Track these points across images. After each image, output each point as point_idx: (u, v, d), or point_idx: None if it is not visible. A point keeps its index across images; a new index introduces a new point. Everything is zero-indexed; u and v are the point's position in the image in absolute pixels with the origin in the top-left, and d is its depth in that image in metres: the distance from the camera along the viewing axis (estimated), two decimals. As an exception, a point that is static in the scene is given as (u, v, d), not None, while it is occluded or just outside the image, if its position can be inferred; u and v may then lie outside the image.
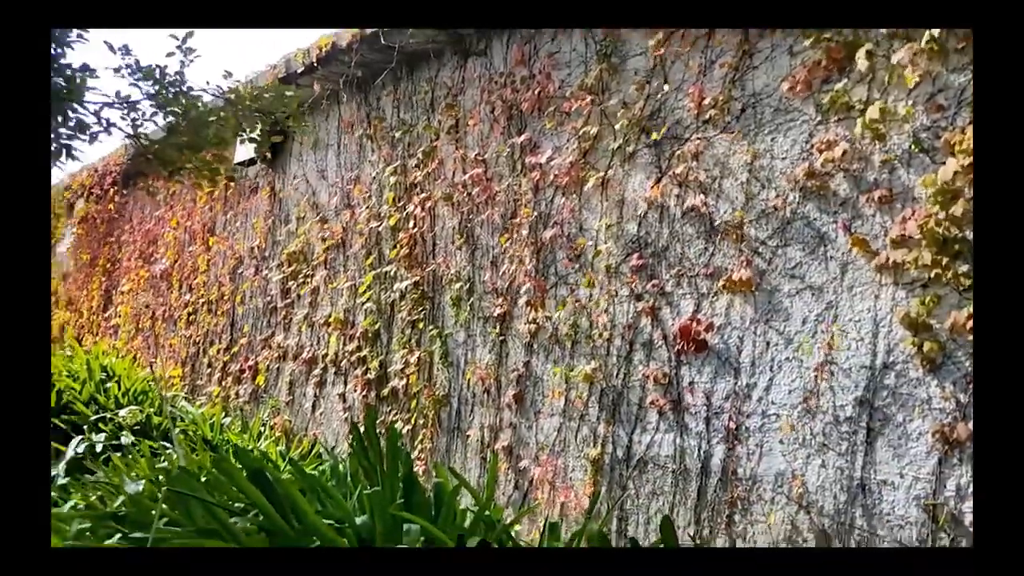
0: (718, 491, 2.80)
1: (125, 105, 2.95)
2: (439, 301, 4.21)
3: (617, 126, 3.31)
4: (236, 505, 1.95)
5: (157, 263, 7.41)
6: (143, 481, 2.33)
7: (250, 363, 5.74)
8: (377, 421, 4.39)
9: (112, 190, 8.42)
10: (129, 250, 8.13)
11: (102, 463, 3.28)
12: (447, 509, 1.98)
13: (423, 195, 4.37)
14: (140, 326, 7.57)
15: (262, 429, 5.23)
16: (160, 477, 2.41)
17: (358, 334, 4.70)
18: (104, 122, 2.99)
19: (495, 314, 3.77)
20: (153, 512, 1.87)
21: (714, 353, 2.88)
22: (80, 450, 3.90)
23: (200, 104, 2.92)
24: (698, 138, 3.03)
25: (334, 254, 5.11)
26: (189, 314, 6.74)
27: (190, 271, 6.87)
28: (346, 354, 4.79)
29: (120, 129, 2.99)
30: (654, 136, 3.16)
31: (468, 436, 3.82)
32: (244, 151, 6.06)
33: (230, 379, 5.96)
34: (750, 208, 2.85)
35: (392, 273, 4.51)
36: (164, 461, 3.05)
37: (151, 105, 2.94)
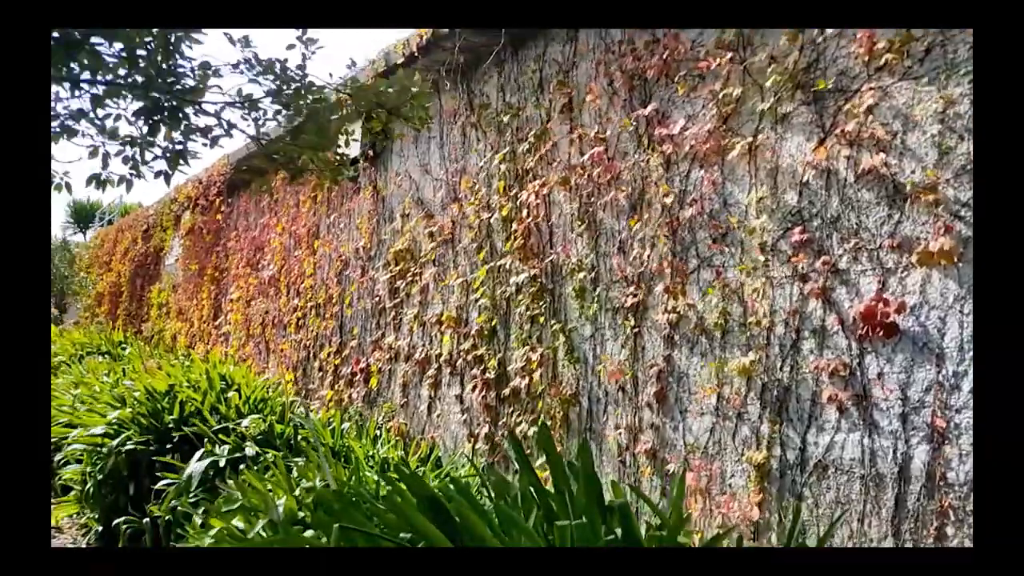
0: (922, 499, 2.37)
1: (246, 104, 2.77)
2: (560, 293, 3.91)
3: (767, 83, 2.90)
4: (402, 536, 1.68)
5: (264, 269, 7.46)
6: (283, 501, 2.14)
7: (361, 365, 5.63)
8: (500, 423, 4.14)
9: (217, 200, 8.58)
10: (236, 258, 8.25)
11: (228, 477, 3.16)
12: (633, 535, 1.67)
13: (537, 181, 4.09)
14: (250, 332, 7.66)
15: (378, 433, 5.09)
16: (302, 497, 2.22)
17: (473, 332, 4.47)
18: (225, 123, 2.83)
19: (627, 304, 3.44)
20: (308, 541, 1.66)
21: (908, 338, 2.45)
22: (204, 464, 3.83)
23: (323, 99, 2.71)
24: (871, 88, 2.60)
25: (443, 250, 4.91)
26: (298, 319, 6.73)
27: (297, 276, 6.86)
28: (461, 353, 4.57)
29: (242, 131, 2.82)
30: (820, 84, 2.73)
31: (604, 438, 3.50)
32: (350, 148, 5.96)
33: (342, 382, 5.87)
34: (945, 165, 2.41)
35: (507, 266, 4.24)
36: (300, 477, 2.89)
37: (272, 102, 2.75)
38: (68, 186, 3.42)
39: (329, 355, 6.14)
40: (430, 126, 5.17)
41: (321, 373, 6.26)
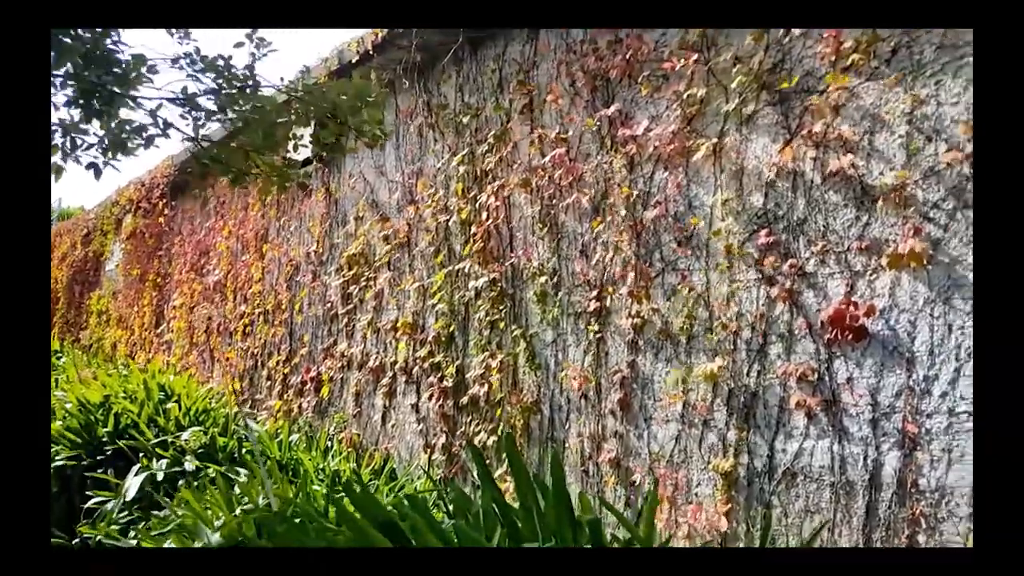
0: (893, 507, 2.32)
1: (185, 102, 2.58)
2: (521, 298, 3.80)
3: (732, 84, 2.85)
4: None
5: (210, 275, 7.16)
6: (222, 521, 1.95)
7: (312, 374, 5.41)
8: (458, 432, 4.00)
9: (161, 203, 8.23)
10: (180, 263, 7.91)
11: (166, 495, 2.94)
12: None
13: (496, 183, 3.97)
14: (194, 340, 7.34)
15: (329, 444, 4.88)
16: (242, 517, 2.03)
17: (429, 339, 4.32)
18: (161, 122, 2.63)
19: (589, 309, 3.34)
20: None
21: (878, 342, 2.40)
22: (140, 480, 3.58)
23: (271, 100, 2.54)
24: (838, 88, 2.56)
25: (398, 254, 4.75)
26: (245, 326, 6.46)
27: (244, 281, 6.59)
28: (417, 361, 4.41)
29: (179, 130, 2.63)
30: (784, 84, 2.69)
31: (567, 447, 3.39)
32: (299, 153, 5.75)
33: (291, 392, 5.64)
34: (914, 166, 2.37)
35: (465, 270, 4.11)
36: (243, 494, 2.69)
37: (213, 102, 2.57)
38: None
39: (278, 363, 5.90)
40: (385, 125, 5.02)
41: (269, 382, 6.01)
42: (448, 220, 4.30)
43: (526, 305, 3.75)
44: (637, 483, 3.00)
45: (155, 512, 3.11)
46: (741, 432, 2.72)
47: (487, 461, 3.79)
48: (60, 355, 9.36)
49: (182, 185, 7.94)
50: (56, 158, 2.99)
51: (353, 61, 4.73)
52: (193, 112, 2.61)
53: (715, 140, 2.93)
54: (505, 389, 3.77)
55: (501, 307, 3.84)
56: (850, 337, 2.45)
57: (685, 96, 3.04)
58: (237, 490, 2.89)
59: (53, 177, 3.18)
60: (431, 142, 4.62)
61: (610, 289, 3.27)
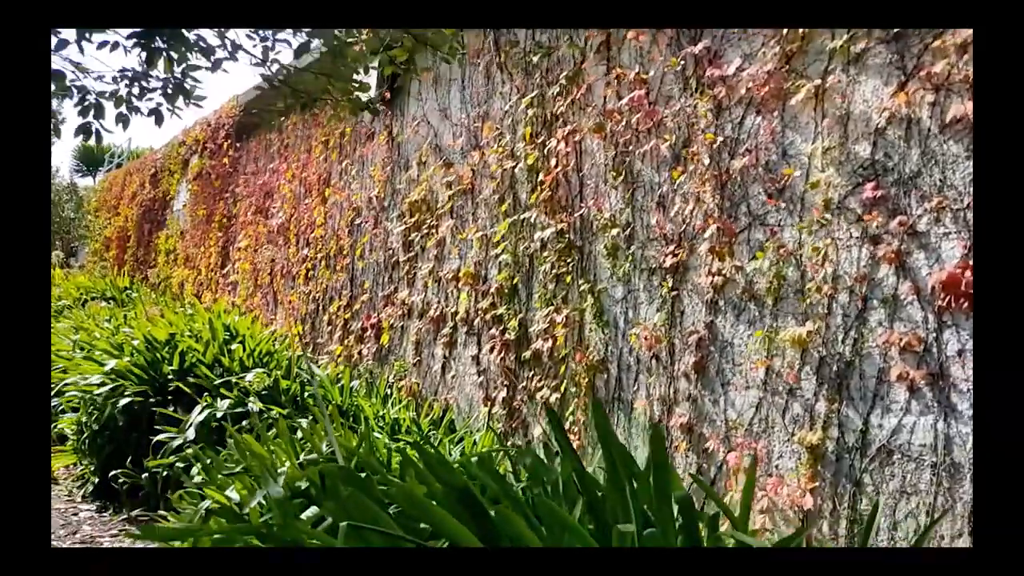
0: (1005, 496, 2.09)
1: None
2: (590, 251, 3.61)
3: (843, 17, 2.54)
4: (423, 527, 1.40)
5: (273, 217, 7.18)
6: (285, 468, 1.88)
7: (372, 321, 5.37)
8: (519, 387, 3.88)
9: (226, 144, 8.25)
10: (245, 204, 7.96)
11: (229, 435, 2.92)
12: (695, 536, 1.40)
13: (567, 128, 3.75)
14: (259, 282, 7.41)
15: (388, 392, 4.86)
16: (307, 466, 1.96)
17: (492, 290, 4.18)
18: (230, 44, 2.51)
19: (665, 265, 3.13)
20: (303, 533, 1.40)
21: (1000, 312, 2.14)
22: (202, 418, 3.59)
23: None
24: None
25: (461, 201, 4.59)
26: (307, 270, 6.46)
27: (307, 225, 6.57)
28: (479, 312, 4.29)
29: (247, 52, 2.50)
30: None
31: (634, 408, 3.24)
32: (368, 78, 5.60)
33: (352, 338, 5.62)
34: (1057, 113, 2.06)
35: (531, 220, 3.93)
36: (305, 441, 2.63)
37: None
38: (58, 131, 3.15)
39: (339, 309, 5.89)
40: (450, 65, 4.81)
41: (330, 327, 6.02)
42: (514, 167, 4.11)
43: (595, 259, 3.57)
44: (711, 451, 2.83)
45: (219, 447, 3.11)
46: (831, 404, 2.51)
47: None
48: (130, 292, 9.65)
49: (247, 126, 7.93)
50: (122, 108, 2.93)
51: (420, -4, 4.51)
52: (261, 33, 2.46)
53: (817, 82, 2.64)
54: (570, 345, 3.61)
55: (568, 260, 3.67)
56: (965, 305, 2.19)
57: (785, 32, 2.75)
58: (300, 435, 2.85)
59: (120, 127, 3.13)
60: (499, 84, 4.40)
61: (689, 244, 3.05)
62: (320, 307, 6.25)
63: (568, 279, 3.67)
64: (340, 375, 4.85)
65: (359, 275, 5.72)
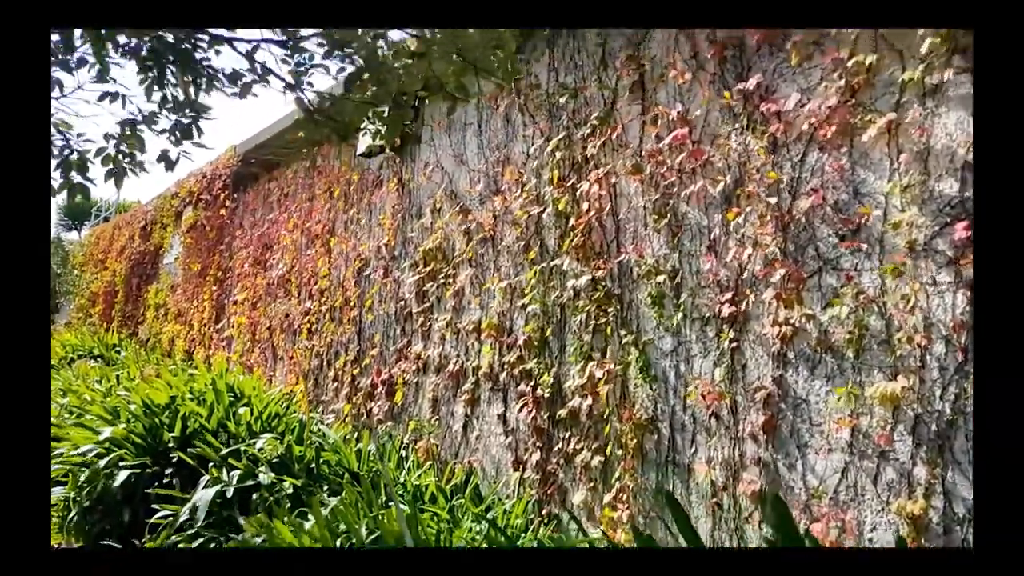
0: None
1: (288, 43, 2.22)
2: (631, 300, 3.36)
3: (920, 47, 2.36)
4: None
5: (273, 269, 6.89)
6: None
7: (383, 377, 5.06)
8: (554, 449, 3.58)
9: (222, 195, 8.02)
10: (242, 257, 7.68)
11: (239, 512, 2.58)
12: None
13: (601, 170, 3.54)
14: (257, 337, 7.08)
15: (403, 453, 4.52)
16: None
17: (519, 343, 3.91)
18: (259, 68, 2.27)
19: (722, 314, 2.88)
20: None
21: None
22: (210, 494, 3.25)
23: (384, 45, 2.16)
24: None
25: (482, 249, 4.35)
26: (311, 323, 6.16)
27: (310, 276, 6.29)
28: (505, 366, 4.01)
29: (280, 78, 2.26)
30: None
31: (693, 472, 2.94)
32: (365, 141, 5.41)
33: (361, 395, 5.30)
34: None
35: (562, 267, 3.69)
36: (337, 521, 2.31)
37: (319, 45, 2.20)
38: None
39: (346, 364, 5.58)
40: (466, 109, 4.63)
41: (336, 384, 5.69)
42: (541, 211, 3.88)
43: (637, 308, 3.31)
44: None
45: (232, 535, 2.77)
46: (932, 468, 2.24)
47: (592, 483, 3.37)
48: (119, 349, 9.26)
49: (245, 177, 7.71)
50: (110, 166, 2.71)
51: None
52: (295, 56, 2.23)
53: (890, 115, 2.44)
54: (612, 403, 3.33)
55: (607, 310, 3.41)
56: (1093, 356, 1.95)
57: (849, 64, 2.56)
58: (328, 513, 2.52)
59: (114, 184, 2.90)
60: (520, 127, 4.21)
61: (749, 292, 2.81)
62: (325, 362, 5.93)
63: (608, 330, 3.41)
64: (357, 437, 4.53)
65: (368, 328, 5.43)
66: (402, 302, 5.03)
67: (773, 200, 2.74)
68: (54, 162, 2.58)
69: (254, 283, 7.27)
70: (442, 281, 4.63)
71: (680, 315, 3.07)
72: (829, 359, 2.54)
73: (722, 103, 3.01)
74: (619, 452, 3.24)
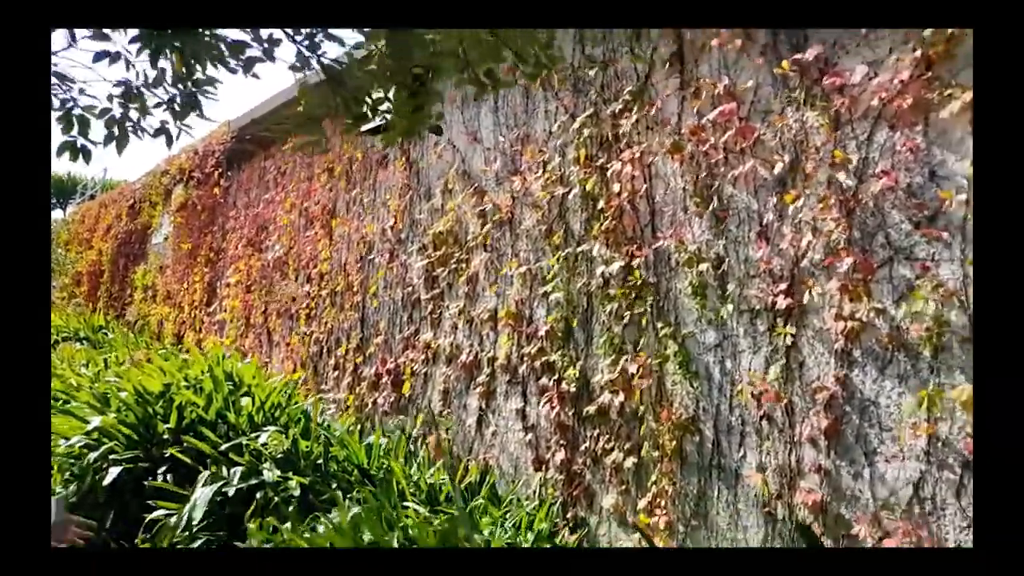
0: None
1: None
2: (668, 289, 3.12)
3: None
4: None
5: (269, 251, 6.60)
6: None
7: (389, 366, 4.81)
8: (581, 448, 3.35)
9: (215, 173, 7.69)
10: (235, 238, 7.37)
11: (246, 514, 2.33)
12: None
13: (634, 149, 3.28)
14: (251, 322, 6.79)
15: (411, 448, 4.28)
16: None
17: (540, 333, 3.66)
18: (264, 41, 2.03)
19: (777, 307, 2.65)
20: None
21: None
22: (209, 492, 2.99)
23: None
24: None
25: (498, 233, 4.09)
26: (310, 309, 5.88)
27: (309, 259, 6.01)
28: (524, 358, 3.77)
29: (294, 40, 2.00)
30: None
31: (742, 479, 2.72)
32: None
33: (364, 385, 5.04)
34: None
35: (589, 253, 3.44)
36: (359, 530, 2.07)
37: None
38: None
39: (348, 352, 5.31)
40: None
41: (336, 372, 5.43)
42: (566, 193, 3.63)
43: (676, 298, 3.07)
44: (858, 536, 2.31)
45: (237, 542, 2.52)
46: None
47: (623, 486, 3.14)
48: (106, 331, 8.94)
49: (239, 154, 7.38)
50: (114, 128, 2.52)
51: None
52: (306, 28, 1.98)
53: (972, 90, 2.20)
54: (647, 400, 3.10)
55: (646, 299, 3.17)
56: None
57: (925, 34, 2.32)
58: (336, 517, 2.27)
59: (116, 148, 2.71)
60: (541, 102, 3.94)
61: (809, 282, 2.57)
62: (324, 350, 5.66)
63: (643, 322, 3.17)
64: (351, 427, 4.27)
65: (371, 315, 5.17)
66: (410, 288, 4.77)
67: (844, 180, 2.49)
68: (55, 115, 2.40)
69: (248, 265, 6.97)
70: (454, 266, 4.37)
71: (730, 306, 2.83)
72: (902, 358, 2.31)
73: (775, 76, 2.76)
74: (655, 454, 3.01)
